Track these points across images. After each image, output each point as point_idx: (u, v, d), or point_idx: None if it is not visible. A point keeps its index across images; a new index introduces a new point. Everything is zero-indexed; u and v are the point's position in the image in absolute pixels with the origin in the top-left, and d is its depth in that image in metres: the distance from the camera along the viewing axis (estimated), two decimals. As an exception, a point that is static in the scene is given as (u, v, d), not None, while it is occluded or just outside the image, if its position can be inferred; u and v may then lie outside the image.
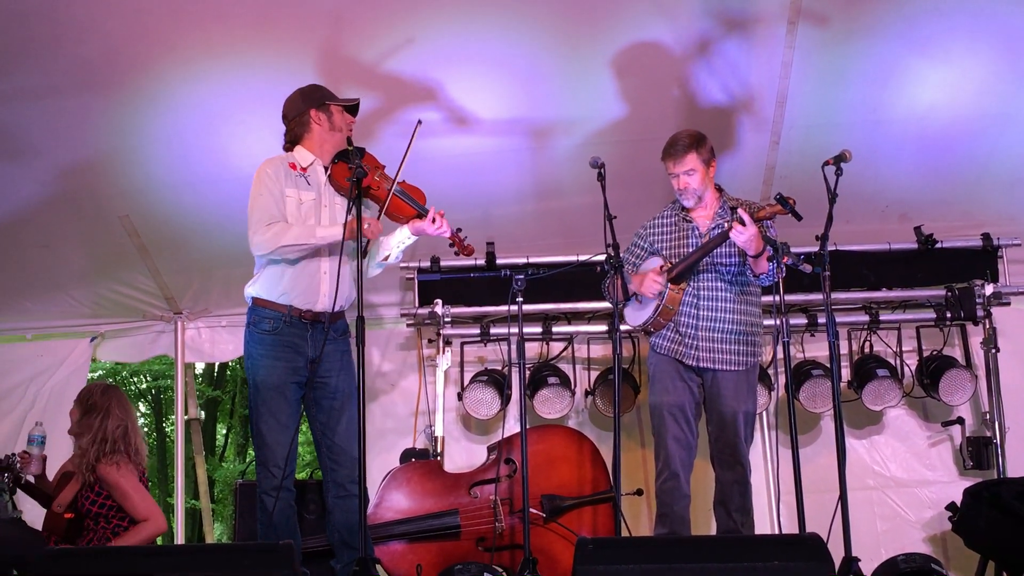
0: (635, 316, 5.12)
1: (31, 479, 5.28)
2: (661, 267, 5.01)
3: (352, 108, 4.79)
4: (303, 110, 4.70)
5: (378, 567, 4.40)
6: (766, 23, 5.39)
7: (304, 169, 4.67)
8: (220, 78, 5.44)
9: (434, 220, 4.63)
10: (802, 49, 5.45)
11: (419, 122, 4.60)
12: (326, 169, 4.72)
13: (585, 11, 5.34)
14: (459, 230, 4.77)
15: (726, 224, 4.76)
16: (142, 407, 17.55)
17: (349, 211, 4.40)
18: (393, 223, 4.76)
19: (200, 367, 16.17)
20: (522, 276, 4.80)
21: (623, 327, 5.45)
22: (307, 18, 5.22)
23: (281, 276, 4.58)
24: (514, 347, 4.88)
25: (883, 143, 5.90)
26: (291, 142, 4.75)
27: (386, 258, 4.80)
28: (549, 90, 5.72)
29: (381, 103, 5.60)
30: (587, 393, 6.53)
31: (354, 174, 4.39)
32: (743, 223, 4.62)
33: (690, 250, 4.99)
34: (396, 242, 4.76)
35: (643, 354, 6.38)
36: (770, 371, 6.20)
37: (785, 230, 5.01)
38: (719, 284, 4.98)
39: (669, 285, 4.94)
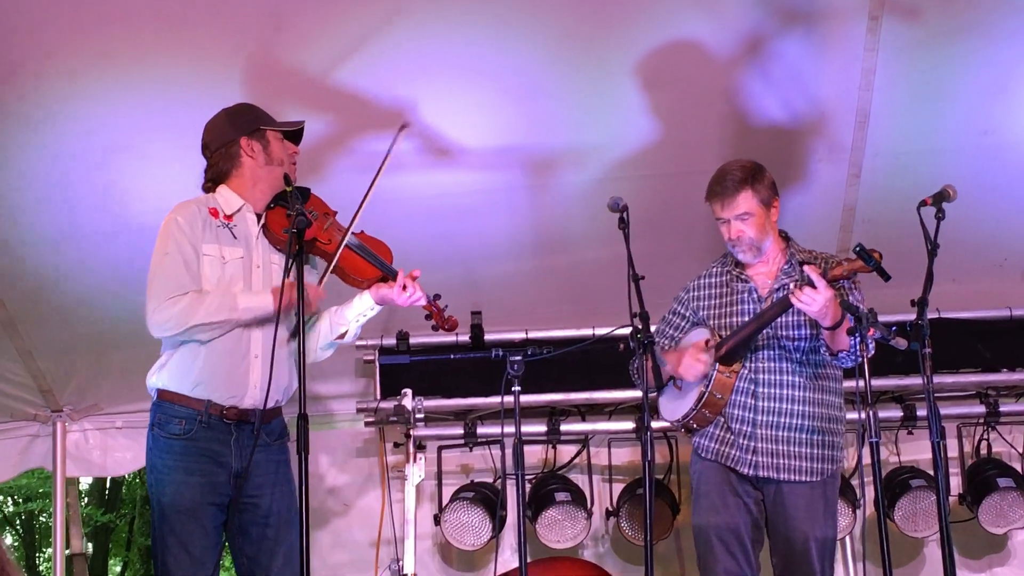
0: (672, 408, 5.10)
1: None
2: (707, 342, 5.00)
3: (295, 134, 4.81)
4: (231, 138, 4.71)
5: None
6: (840, 17, 5.44)
7: (229, 217, 4.66)
8: (115, 95, 5.45)
9: (404, 286, 4.64)
10: (888, 52, 5.49)
11: (403, 125, 4.60)
12: (259, 217, 4.72)
13: (599, 5, 5.40)
14: (437, 297, 4.77)
15: (792, 286, 4.77)
16: (8, 538, 17.41)
17: (287, 273, 4.39)
18: (351, 288, 4.76)
19: (87, 483, 16.05)
20: (519, 357, 4.79)
21: (656, 424, 5.41)
22: (235, 17, 5.27)
23: (196, 361, 4.55)
24: (509, 452, 4.84)
25: (998, 175, 5.95)
26: (213, 180, 4.75)
27: (341, 336, 4.78)
28: (553, 109, 5.76)
29: (332, 128, 5.64)
30: (609, 514, 6.49)
31: (293, 223, 4.38)
32: (813, 285, 4.62)
33: (745, 319, 4.99)
34: (354, 314, 4.75)
35: (683, 460, 6.35)
36: (854, 482, 6.16)
37: (872, 292, 5.01)
38: (785, 365, 4.97)
39: (718, 366, 4.93)
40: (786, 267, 5.04)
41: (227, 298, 4.50)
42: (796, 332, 4.97)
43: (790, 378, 4.95)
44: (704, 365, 4.93)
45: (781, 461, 4.92)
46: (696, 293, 5.21)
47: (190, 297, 4.47)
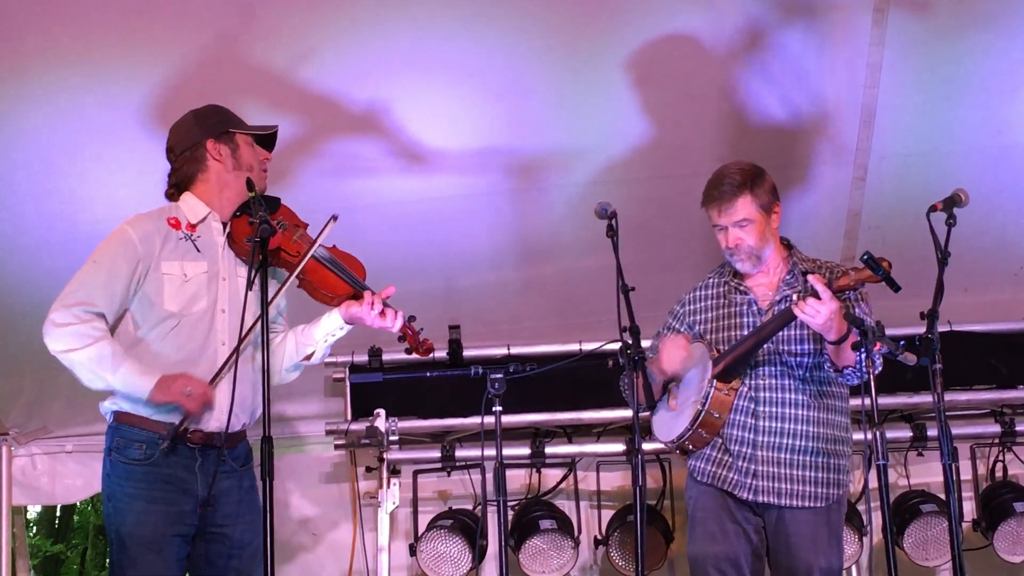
0: (666, 428, 5.08)
1: None
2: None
3: (267, 140, 4.79)
4: (197, 141, 4.67)
5: None
6: (844, 9, 5.45)
7: (193, 227, 4.63)
8: (64, 94, 5.42)
9: (373, 305, 4.60)
10: (896, 46, 5.51)
11: (333, 218, 4.57)
12: (225, 226, 4.69)
13: (586, -4, 5.42)
14: (412, 319, 4.74)
15: (795, 297, 4.75)
16: (-50, 571, 17.29)
17: (250, 285, 4.35)
18: (321, 305, 4.73)
19: (35, 511, 15.96)
20: (500, 375, 4.79)
21: (648, 445, 5.38)
22: (196, 9, 5.24)
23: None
24: (490, 477, 4.84)
25: (1012, 178, 5.98)
26: (177, 186, 4.71)
27: (308, 357, 4.76)
28: (538, 108, 5.76)
29: (300, 129, 5.63)
30: (597, 543, 6.49)
31: (256, 231, 4.34)
32: (817, 296, 4.61)
33: (744, 333, 4.98)
34: (322, 334, 4.72)
35: (678, 485, 6.34)
36: (861, 507, 6.16)
37: (878, 304, 5.00)
38: (787, 382, 4.96)
39: (715, 383, 4.92)
40: (788, 277, 5.03)
41: (116, 359, 4.41)
42: (799, 347, 4.96)
43: (792, 396, 4.94)
44: (682, 350, 4.92)
45: (783, 485, 4.90)
46: (692, 306, 5.19)
47: (93, 327, 4.40)
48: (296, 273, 4.60)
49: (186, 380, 4.40)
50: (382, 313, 4.60)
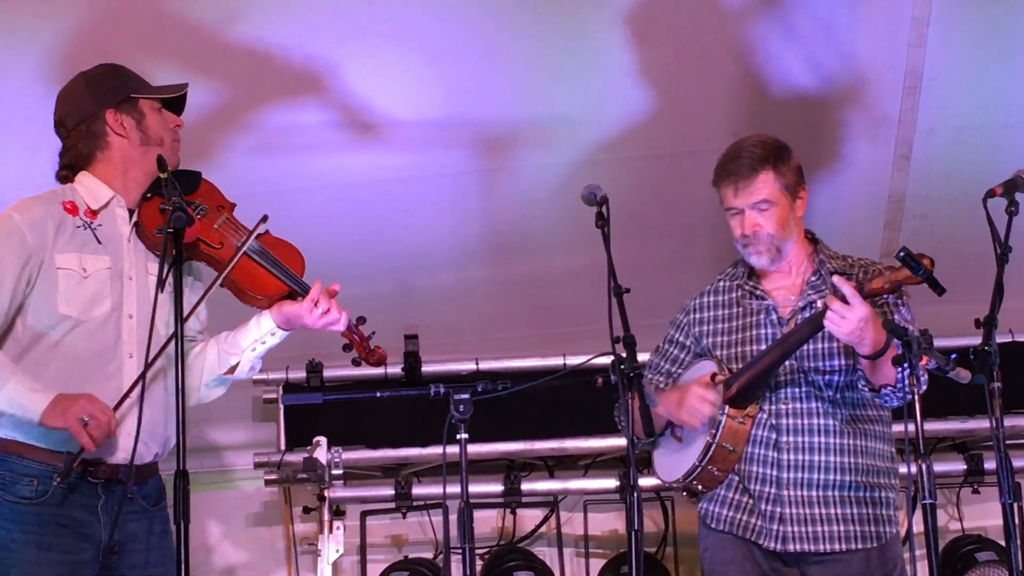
0: (670, 465, 5.08)
1: None
2: (714, 377, 5.00)
3: (176, 103, 4.76)
4: (93, 112, 4.63)
5: None
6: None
7: (93, 214, 4.60)
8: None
9: (317, 303, 4.60)
10: (946, -2, 5.57)
11: (264, 218, 4.56)
12: (132, 213, 4.67)
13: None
14: (361, 321, 4.73)
15: (820, 304, 4.76)
16: None
17: (161, 286, 4.30)
18: (248, 307, 4.70)
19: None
20: (466, 395, 4.75)
21: (646, 481, 5.37)
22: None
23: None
24: (454, 519, 4.79)
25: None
26: (71, 167, 4.68)
27: (233, 368, 4.73)
28: (512, 72, 5.78)
29: (226, 96, 5.64)
30: (585, 599, 6.49)
31: (169, 220, 4.31)
32: (845, 300, 4.61)
33: (762, 347, 4.99)
34: (251, 341, 4.68)
35: (682, 528, 6.35)
36: (904, 552, 6.16)
37: (925, 309, 4.99)
38: (814, 406, 4.94)
39: (727, 410, 4.91)
40: (813, 279, 5.01)
41: (3, 371, 4.37)
42: (828, 363, 4.94)
43: (821, 422, 4.91)
44: (711, 407, 4.90)
45: (819, 528, 4.87)
46: (698, 315, 5.17)
47: None
48: (219, 280, 4.59)
49: (88, 403, 4.33)
50: (326, 311, 4.60)
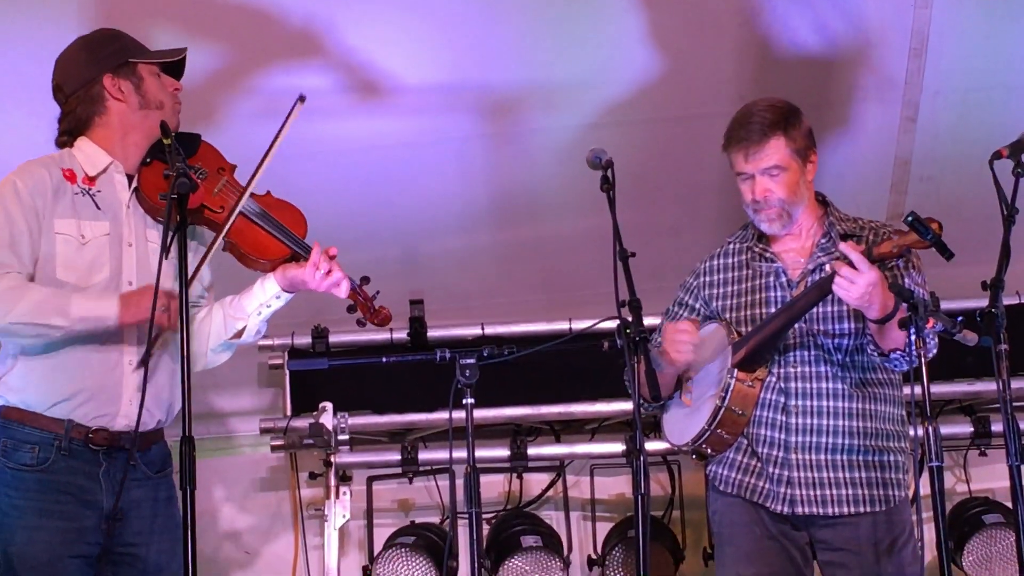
0: (680, 428, 5.07)
1: None
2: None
3: (175, 67, 4.76)
4: (91, 77, 4.65)
5: None
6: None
7: (92, 180, 4.61)
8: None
9: (318, 265, 4.59)
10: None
11: (300, 99, 4.56)
12: (131, 179, 4.66)
13: None
14: (365, 281, 4.73)
15: (828, 269, 4.75)
16: None
17: (165, 253, 4.27)
18: (251, 271, 4.72)
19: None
20: (472, 360, 4.78)
21: (652, 445, 5.37)
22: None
23: (52, 369, 4.49)
24: (461, 484, 4.84)
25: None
26: (70, 132, 4.69)
27: (239, 333, 4.74)
28: (517, 34, 5.77)
29: (226, 60, 5.62)
30: (592, 562, 6.52)
31: (173, 185, 4.29)
32: (852, 265, 4.59)
33: (772, 311, 4.98)
34: (256, 304, 4.70)
35: (689, 492, 6.39)
36: (912, 515, 6.16)
37: (933, 272, 5.00)
38: (823, 369, 4.94)
39: (736, 373, 4.91)
40: (823, 241, 5.00)
41: (59, 297, 4.39)
42: (837, 326, 4.94)
43: (830, 385, 4.92)
44: (687, 334, 4.90)
45: (826, 491, 4.88)
46: (708, 278, 5.17)
47: (15, 280, 4.38)
48: (221, 236, 4.58)
49: (151, 294, 4.31)
50: (328, 273, 4.59)
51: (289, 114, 4.57)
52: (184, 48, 4.78)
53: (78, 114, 4.66)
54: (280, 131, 4.56)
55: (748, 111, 4.96)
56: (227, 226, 4.56)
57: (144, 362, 4.35)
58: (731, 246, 5.17)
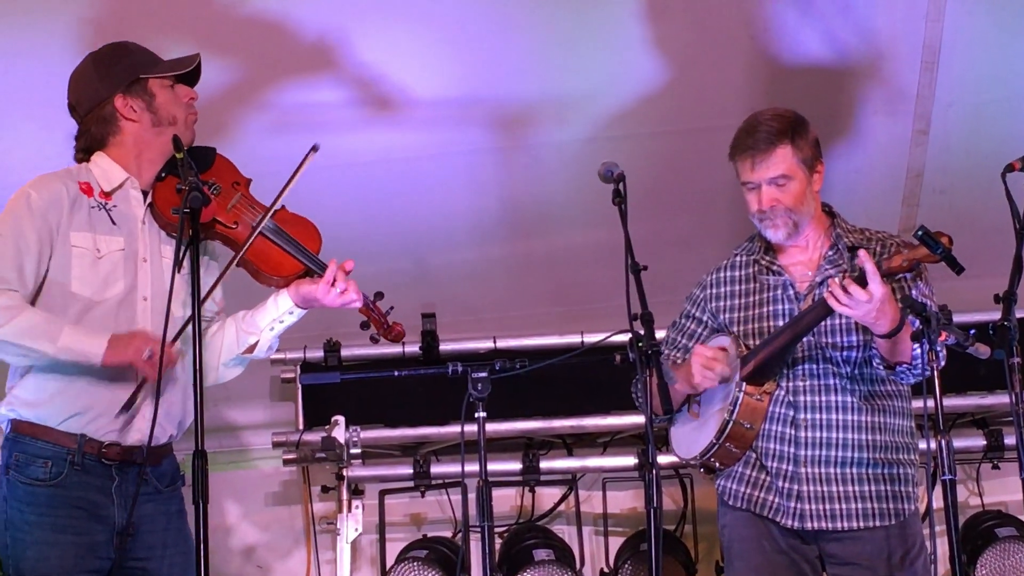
0: (688, 442, 5.07)
1: None
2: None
3: (190, 75, 4.74)
4: (102, 97, 4.63)
5: None
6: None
7: (108, 195, 4.60)
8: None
9: (334, 281, 4.59)
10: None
11: (314, 148, 4.56)
12: (146, 194, 4.66)
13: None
14: (379, 296, 4.74)
15: (828, 287, 4.70)
16: None
17: (178, 267, 4.25)
18: (264, 287, 4.72)
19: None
20: (484, 374, 4.79)
21: (664, 459, 5.37)
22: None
23: (65, 383, 4.47)
24: (473, 498, 4.84)
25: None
26: (87, 149, 4.69)
27: (251, 347, 4.74)
28: (528, 48, 5.76)
29: (240, 74, 5.63)
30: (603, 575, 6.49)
31: (185, 200, 4.28)
32: (864, 280, 4.57)
33: (779, 324, 4.97)
34: (269, 320, 4.70)
35: (701, 505, 6.39)
36: (923, 529, 6.15)
37: (944, 285, 4.97)
38: (832, 382, 4.93)
39: (745, 387, 4.91)
40: (830, 253, 4.99)
41: (51, 324, 4.37)
42: (845, 339, 4.93)
43: (839, 399, 4.90)
44: (720, 364, 4.88)
45: (836, 506, 4.87)
46: (714, 290, 5.16)
47: (12, 299, 4.36)
48: (236, 260, 4.58)
49: (144, 339, 4.36)
50: (334, 283, 4.58)
51: (302, 163, 4.57)
52: (197, 55, 4.75)
53: (93, 134, 4.65)
54: (292, 178, 4.56)
55: (755, 120, 4.95)
56: (241, 252, 4.56)
57: (136, 390, 4.37)
58: (738, 258, 5.15)
